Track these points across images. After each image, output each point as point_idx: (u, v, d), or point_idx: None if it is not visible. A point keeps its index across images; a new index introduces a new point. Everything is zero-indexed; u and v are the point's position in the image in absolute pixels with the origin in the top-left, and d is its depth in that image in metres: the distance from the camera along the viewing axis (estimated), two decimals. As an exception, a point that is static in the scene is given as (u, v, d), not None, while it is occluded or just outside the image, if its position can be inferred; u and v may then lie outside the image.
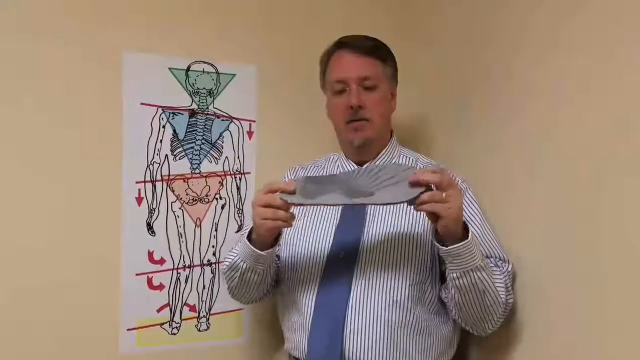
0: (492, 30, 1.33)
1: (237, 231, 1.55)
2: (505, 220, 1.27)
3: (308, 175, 1.35)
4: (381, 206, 1.22)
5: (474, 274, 1.09)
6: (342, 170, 1.32)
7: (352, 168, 1.31)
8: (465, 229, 1.09)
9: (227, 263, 1.26)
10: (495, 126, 1.31)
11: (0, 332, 1.33)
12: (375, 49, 1.29)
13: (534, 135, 1.18)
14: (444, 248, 1.08)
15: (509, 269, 1.21)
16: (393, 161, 1.32)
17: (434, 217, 1.06)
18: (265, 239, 1.15)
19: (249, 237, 1.18)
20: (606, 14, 1.01)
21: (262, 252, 1.16)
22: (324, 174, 1.35)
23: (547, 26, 1.15)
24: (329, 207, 1.24)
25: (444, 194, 1.03)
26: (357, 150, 1.29)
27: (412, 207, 1.06)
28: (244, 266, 1.20)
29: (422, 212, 1.19)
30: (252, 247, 1.16)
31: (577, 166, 1.07)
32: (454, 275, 1.11)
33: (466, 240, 1.07)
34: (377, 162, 1.30)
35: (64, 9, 1.36)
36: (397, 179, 1.06)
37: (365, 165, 1.19)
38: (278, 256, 1.31)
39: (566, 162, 1.10)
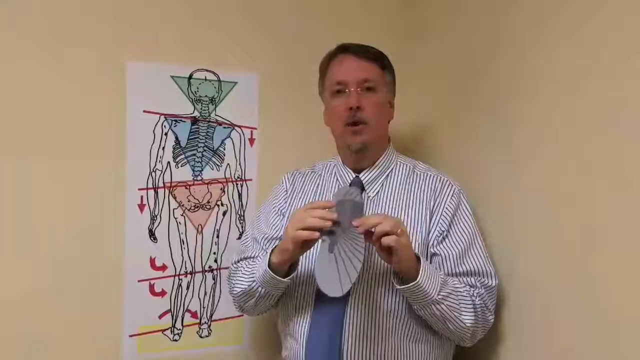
0: (494, 36, 1.34)
1: (239, 238, 1.56)
2: (506, 225, 1.27)
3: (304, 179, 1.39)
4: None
5: (431, 307, 1.13)
6: (339, 179, 1.33)
7: (349, 176, 1.31)
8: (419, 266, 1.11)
9: (241, 288, 1.25)
10: (497, 131, 1.31)
11: (1, 338, 1.33)
12: (376, 56, 1.31)
13: (536, 140, 1.18)
14: (397, 287, 1.13)
15: (491, 284, 1.22)
16: (390, 168, 1.32)
17: (388, 252, 1.08)
18: (294, 255, 1.15)
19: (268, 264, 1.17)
20: (604, 25, 1.02)
21: (285, 280, 1.17)
22: (321, 182, 1.37)
23: (547, 30, 1.16)
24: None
25: (398, 230, 1.06)
26: (355, 156, 1.29)
27: (369, 242, 1.09)
28: (262, 292, 1.21)
29: (418, 217, 1.23)
30: (275, 276, 1.16)
31: (577, 169, 1.07)
32: (414, 307, 1.16)
33: (415, 282, 1.10)
34: (372, 174, 1.30)
35: (68, 18, 1.38)
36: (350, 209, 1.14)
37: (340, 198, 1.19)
38: None
39: (567, 165, 1.10)
